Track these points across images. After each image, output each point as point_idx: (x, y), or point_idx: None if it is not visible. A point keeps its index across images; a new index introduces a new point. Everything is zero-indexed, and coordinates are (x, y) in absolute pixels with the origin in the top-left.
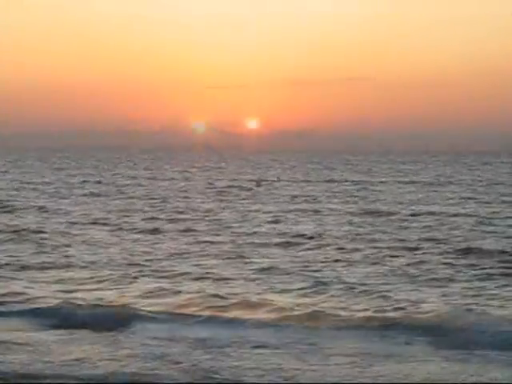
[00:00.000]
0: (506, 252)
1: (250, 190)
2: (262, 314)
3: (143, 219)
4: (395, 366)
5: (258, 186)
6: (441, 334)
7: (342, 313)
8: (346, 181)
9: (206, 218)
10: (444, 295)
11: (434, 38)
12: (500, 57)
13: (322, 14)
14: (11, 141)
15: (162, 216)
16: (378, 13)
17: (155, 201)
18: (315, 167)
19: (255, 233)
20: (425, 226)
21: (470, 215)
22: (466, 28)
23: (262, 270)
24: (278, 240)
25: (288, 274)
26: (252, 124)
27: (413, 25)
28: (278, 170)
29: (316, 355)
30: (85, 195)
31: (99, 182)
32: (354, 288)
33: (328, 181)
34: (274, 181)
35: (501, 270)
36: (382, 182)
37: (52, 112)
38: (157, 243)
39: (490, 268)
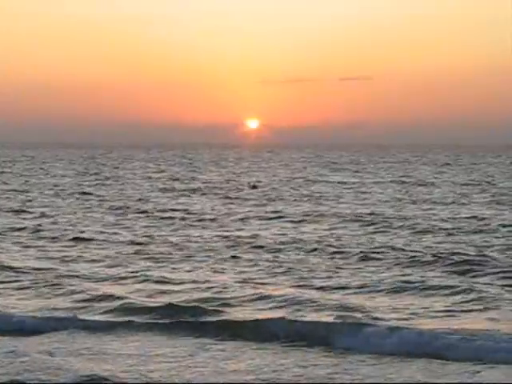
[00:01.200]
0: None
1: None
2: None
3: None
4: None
5: (254, 187)
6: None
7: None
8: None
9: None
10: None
11: (434, 37)
12: (498, 55)
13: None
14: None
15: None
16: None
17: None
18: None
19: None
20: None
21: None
22: (466, 26)
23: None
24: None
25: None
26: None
27: (414, 24)
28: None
29: None
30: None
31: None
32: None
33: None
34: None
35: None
36: (359, 182)
37: (104, 109)
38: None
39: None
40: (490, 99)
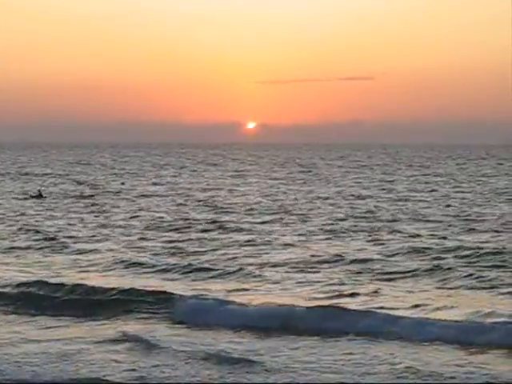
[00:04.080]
0: None
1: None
2: None
3: None
4: None
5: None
6: None
7: None
8: None
9: None
10: None
11: (433, 36)
12: (498, 54)
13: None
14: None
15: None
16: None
17: None
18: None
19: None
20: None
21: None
22: (466, 24)
23: None
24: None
25: None
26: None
27: (412, 23)
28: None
29: None
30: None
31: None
32: None
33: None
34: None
35: None
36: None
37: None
38: None
39: None
40: (489, 98)
